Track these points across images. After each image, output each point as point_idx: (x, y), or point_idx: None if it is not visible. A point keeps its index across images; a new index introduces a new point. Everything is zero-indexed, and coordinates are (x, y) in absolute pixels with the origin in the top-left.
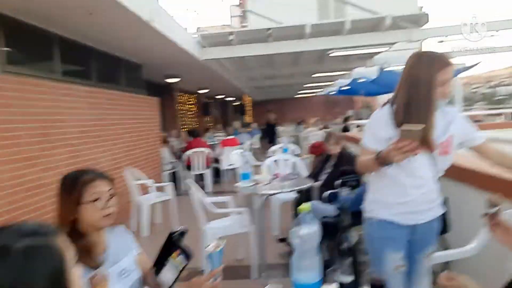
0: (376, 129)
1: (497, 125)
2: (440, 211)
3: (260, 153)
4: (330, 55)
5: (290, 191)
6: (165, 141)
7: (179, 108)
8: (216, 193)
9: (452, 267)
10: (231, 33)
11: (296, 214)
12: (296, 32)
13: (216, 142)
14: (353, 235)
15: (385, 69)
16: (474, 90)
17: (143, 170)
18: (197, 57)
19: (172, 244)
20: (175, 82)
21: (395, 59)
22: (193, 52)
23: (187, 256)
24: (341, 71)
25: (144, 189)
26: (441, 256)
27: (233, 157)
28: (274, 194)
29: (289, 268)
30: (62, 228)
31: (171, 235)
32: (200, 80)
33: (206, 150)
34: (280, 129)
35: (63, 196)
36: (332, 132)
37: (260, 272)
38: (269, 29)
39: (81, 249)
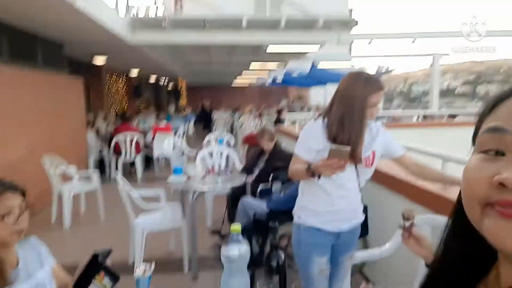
0: (308, 140)
1: (413, 125)
2: (361, 218)
3: (195, 139)
4: (267, 51)
5: (223, 188)
6: (91, 124)
7: (107, 89)
8: (148, 181)
9: (369, 266)
10: (164, 19)
11: (229, 208)
12: (233, 24)
13: (148, 127)
14: (281, 254)
15: (316, 66)
16: (393, 87)
17: (66, 157)
18: (127, 40)
19: (97, 265)
20: (103, 61)
21: (325, 57)
22: (123, 35)
23: (115, 278)
24: (276, 61)
25: (67, 178)
26: (359, 256)
27: (166, 145)
28: (207, 191)
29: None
30: None
31: (95, 256)
32: (130, 61)
33: (136, 136)
34: (215, 115)
35: None
36: (266, 129)
37: (192, 265)
38: (205, 19)
39: None
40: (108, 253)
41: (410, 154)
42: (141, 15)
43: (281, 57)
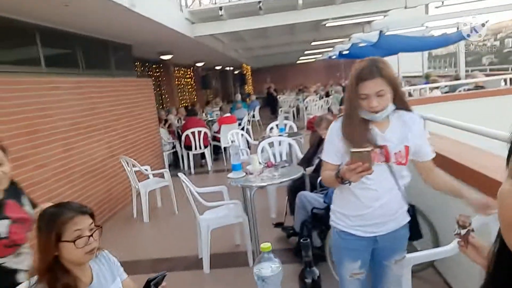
0: (331, 142)
1: (501, 92)
2: (404, 220)
3: (261, 126)
4: (326, 25)
5: (281, 182)
6: (162, 121)
7: (176, 83)
8: (217, 172)
9: (438, 266)
10: (220, 8)
11: (290, 200)
12: (288, 3)
13: (215, 118)
14: (315, 270)
15: (385, 33)
16: (481, 43)
17: (142, 154)
18: (188, 35)
19: None
20: (169, 58)
21: (394, 23)
22: (183, 30)
23: None
24: (339, 38)
25: (144, 176)
26: (415, 257)
27: (229, 137)
28: (264, 186)
29: (284, 253)
30: (43, 264)
31: (149, 281)
32: (194, 54)
33: (203, 130)
34: (280, 98)
35: (42, 234)
36: (323, 116)
37: (256, 259)
38: (259, 1)
39: (66, 285)
40: (162, 278)
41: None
42: (195, 7)
43: (343, 31)
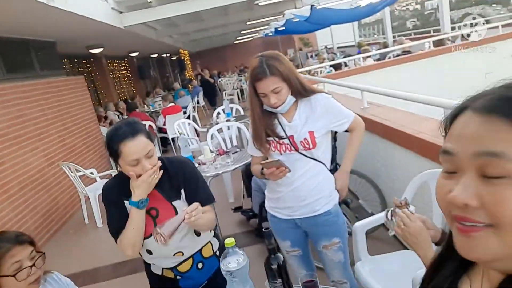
0: (251, 139)
1: (425, 55)
2: (323, 209)
3: (208, 111)
4: (259, 4)
5: (234, 169)
6: (102, 118)
7: (111, 76)
8: None
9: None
10: None
11: (246, 183)
12: None
13: (158, 109)
14: (280, 256)
15: (316, 7)
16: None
17: (84, 157)
18: (117, 25)
19: None
20: (100, 52)
21: None
22: (111, 21)
23: None
24: (273, 15)
25: (90, 179)
26: (371, 221)
27: (178, 128)
28: (218, 175)
29: (246, 236)
30: None
31: None
32: (127, 44)
33: (147, 123)
34: (223, 81)
35: None
36: None
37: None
38: None
39: None
40: None
41: (357, 124)
42: None
43: (276, 8)
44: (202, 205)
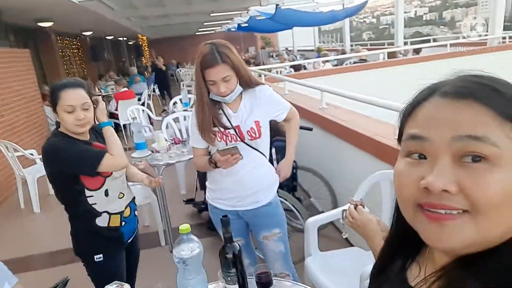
0: (194, 128)
1: (380, 64)
2: (266, 199)
3: (163, 100)
4: None
5: (189, 159)
6: (46, 98)
7: (61, 54)
8: None
9: (336, 223)
10: None
11: (200, 175)
12: None
13: (110, 93)
14: (236, 246)
15: (281, 7)
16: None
17: (25, 136)
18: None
19: None
20: (50, 26)
21: None
22: None
23: None
24: (237, 10)
25: (30, 160)
26: (323, 217)
27: (130, 114)
28: (172, 164)
29: (197, 228)
30: None
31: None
32: (81, 22)
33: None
34: (181, 71)
35: None
36: None
37: (168, 238)
38: None
39: None
40: (64, 284)
41: (292, 114)
42: None
43: (241, 3)
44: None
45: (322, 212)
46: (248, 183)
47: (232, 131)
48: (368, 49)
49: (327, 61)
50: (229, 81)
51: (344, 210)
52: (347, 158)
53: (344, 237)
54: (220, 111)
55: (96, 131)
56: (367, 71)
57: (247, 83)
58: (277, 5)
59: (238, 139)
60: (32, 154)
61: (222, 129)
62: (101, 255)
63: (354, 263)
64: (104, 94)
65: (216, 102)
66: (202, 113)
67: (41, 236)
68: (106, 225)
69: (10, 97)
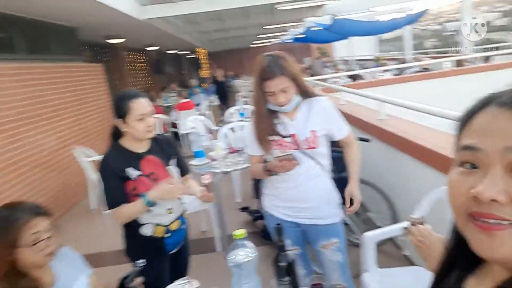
0: (251, 139)
1: (445, 73)
2: (332, 219)
3: (221, 111)
4: (278, 8)
5: (246, 167)
6: None
7: (128, 68)
8: None
9: (397, 240)
10: None
11: (255, 183)
12: None
13: (172, 104)
14: (289, 255)
15: (337, 17)
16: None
17: (97, 143)
18: (137, 17)
19: None
20: (120, 42)
21: (345, 7)
22: (132, 12)
23: None
24: (292, 22)
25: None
26: (382, 233)
27: (190, 123)
28: (228, 172)
29: (252, 236)
30: None
31: (123, 280)
32: (146, 38)
33: (161, 117)
34: (238, 83)
35: None
36: None
37: (224, 244)
38: None
39: None
40: (135, 274)
41: (352, 139)
42: None
43: (296, 14)
44: (187, 173)
45: (380, 227)
46: (306, 193)
47: (288, 140)
48: (432, 57)
49: (387, 70)
50: (288, 92)
51: (405, 228)
52: (408, 172)
53: (405, 254)
54: (277, 120)
55: (157, 139)
56: (431, 81)
57: (304, 93)
58: (333, 15)
59: (294, 147)
60: None
61: (278, 138)
62: (144, 260)
63: (415, 282)
64: (166, 105)
65: (273, 111)
66: (259, 122)
67: (109, 235)
68: (150, 234)
69: (85, 107)
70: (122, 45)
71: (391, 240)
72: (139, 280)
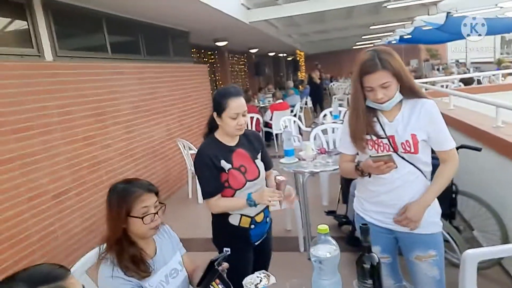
0: (345, 134)
1: None
2: (429, 229)
3: (314, 113)
4: (388, 7)
5: (334, 169)
6: None
7: (230, 69)
8: None
9: (506, 265)
10: None
11: (343, 188)
12: None
13: (267, 104)
14: (374, 256)
15: (453, 15)
16: None
17: (197, 138)
18: (243, 21)
19: (214, 271)
20: (224, 45)
21: (464, 3)
22: (239, 16)
23: (227, 286)
24: (400, 21)
25: None
26: (488, 252)
27: (282, 123)
28: (316, 173)
29: (337, 241)
30: (112, 235)
31: (212, 262)
32: (249, 40)
33: (255, 116)
34: (334, 85)
35: (113, 207)
36: None
37: (307, 245)
38: None
39: (133, 257)
40: (224, 258)
41: (453, 156)
42: None
43: (406, 13)
44: (270, 168)
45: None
46: (401, 199)
47: (385, 141)
48: None
49: (510, 74)
50: (388, 88)
51: None
52: None
53: None
54: (375, 119)
55: (246, 134)
56: None
57: (409, 92)
58: (448, 13)
59: (391, 149)
60: None
61: (374, 138)
62: (229, 249)
63: None
64: (262, 105)
65: (371, 109)
66: (356, 119)
67: (200, 223)
68: (237, 224)
69: (189, 104)
70: (227, 47)
71: (499, 265)
72: (225, 265)
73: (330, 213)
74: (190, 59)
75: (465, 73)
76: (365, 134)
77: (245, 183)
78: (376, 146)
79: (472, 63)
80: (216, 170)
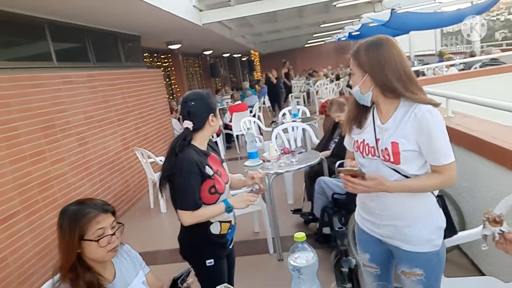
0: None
1: None
2: (424, 248)
3: (272, 112)
4: (337, 5)
5: (298, 169)
6: (174, 111)
7: (186, 72)
8: (231, 160)
9: (464, 248)
10: None
11: (307, 186)
12: None
13: (225, 106)
14: (352, 260)
15: (397, 11)
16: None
17: (155, 145)
18: (196, 23)
19: None
20: (178, 48)
21: (406, 0)
22: (191, 18)
23: None
24: (349, 19)
25: (159, 166)
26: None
27: (243, 125)
28: (281, 173)
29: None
30: (66, 262)
31: (175, 280)
32: (203, 42)
33: None
34: (291, 83)
35: (65, 232)
36: (333, 100)
37: (276, 246)
38: None
39: (89, 284)
40: (187, 274)
41: (451, 172)
42: None
43: (354, 11)
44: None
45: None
46: (386, 209)
47: (372, 143)
48: (503, 50)
49: (452, 65)
50: (352, 76)
51: (485, 235)
52: (480, 174)
53: (484, 249)
54: (369, 119)
55: (209, 144)
56: (502, 75)
57: (390, 93)
58: (392, 9)
59: (377, 154)
60: (161, 161)
61: (362, 138)
62: (212, 260)
63: None
64: (220, 107)
65: (366, 107)
66: (349, 110)
67: (165, 234)
68: (218, 232)
69: (146, 111)
70: (181, 50)
71: (458, 248)
72: (190, 281)
73: (296, 211)
74: (143, 64)
75: (411, 66)
76: (356, 127)
77: (225, 187)
78: (362, 146)
79: (416, 56)
80: (202, 179)
